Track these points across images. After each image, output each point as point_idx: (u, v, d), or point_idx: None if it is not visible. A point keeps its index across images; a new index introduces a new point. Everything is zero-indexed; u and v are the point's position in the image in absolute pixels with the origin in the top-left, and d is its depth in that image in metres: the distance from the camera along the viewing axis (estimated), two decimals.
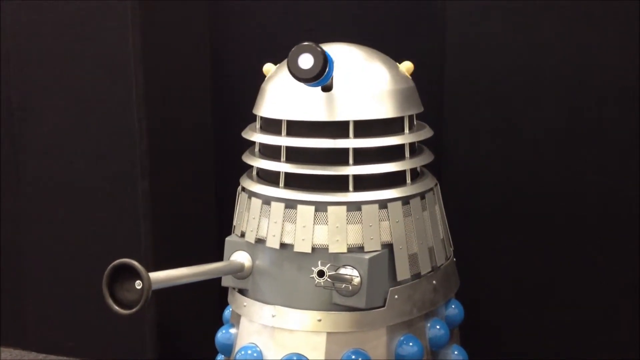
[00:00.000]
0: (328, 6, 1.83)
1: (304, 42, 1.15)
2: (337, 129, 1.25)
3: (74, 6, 1.78)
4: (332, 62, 1.18)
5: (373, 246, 1.24)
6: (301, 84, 1.20)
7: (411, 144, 1.33)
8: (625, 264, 1.62)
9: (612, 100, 1.57)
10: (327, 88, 1.24)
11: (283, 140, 1.28)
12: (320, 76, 1.15)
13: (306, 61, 1.15)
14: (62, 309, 1.97)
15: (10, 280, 2.02)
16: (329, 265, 1.20)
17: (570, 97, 1.60)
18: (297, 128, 1.27)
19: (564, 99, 1.60)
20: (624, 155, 1.58)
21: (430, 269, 1.32)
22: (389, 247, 1.26)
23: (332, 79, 1.23)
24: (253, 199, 1.32)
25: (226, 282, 1.35)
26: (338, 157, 1.26)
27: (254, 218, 1.30)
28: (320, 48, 1.15)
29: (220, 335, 1.38)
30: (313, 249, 1.24)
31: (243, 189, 1.36)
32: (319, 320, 1.25)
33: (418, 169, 1.38)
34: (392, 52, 1.38)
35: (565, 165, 1.63)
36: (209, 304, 1.84)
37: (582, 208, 1.63)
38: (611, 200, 1.61)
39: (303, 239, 1.25)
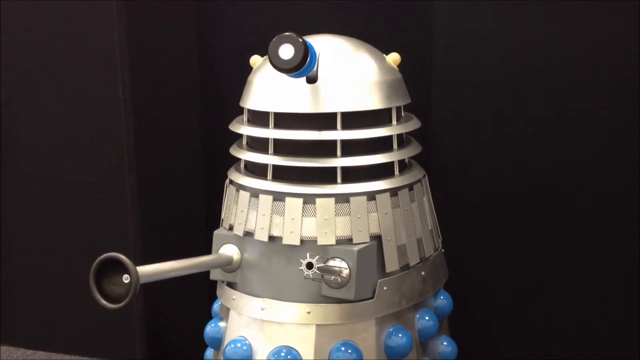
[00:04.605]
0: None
1: (284, 32, 1.15)
2: (325, 120, 1.25)
3: (60, 2, 1.77)
4: (314, 53, 1.18)
5: (362, 238, 1.24)
6: (288, 76, 1.20)
7: (399, 136, 1.33)
8: (621, 256, 1.62)
9: (601, 92, 1.58)
10: (311, 79, 1.24)
11: (270, 133, 1.28)
12: (301, 66, 1.15)
13: (287, 51, 1.15)
14: (51, 305, 1.96)
15: None
16: (317, 257, 1.19)
17: (557, 89, 1.60)
18: (285, 120, 1.27)
19: (552, 91, 1.60)
20: (614, 147, 1.59)
21: (418, 260, 1.32)
22: (377, 238, 1.26)
23: (316, 70, 1.23)
24: (241, 191, 1.31)
25: (215, 275, 1.35)
26: (326, 149, 1.26)
27: (242, 211, 1.30)
28: (301, 38, 1.14)
29: (210, 329, 1.38)
30: (302, 241, 1.24)
31: (231, 181, 1.36)
32: (308, 313, 1.25)
33: (406, 161, 1.38)
34: (379, 43, 1.38)
35: (553, 157, 1.63)
36: (198, 298, 1.84)
37: (572, 199, 1.63)
38: (602, 191, 1.61)
39: (291, 232, 1.25)
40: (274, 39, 1.15)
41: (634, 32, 1.53)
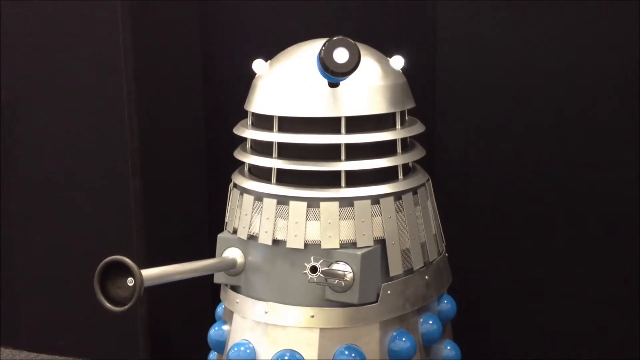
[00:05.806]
0: (318, 2, 1.83)
1: (336, 36, 1.15)
2: (329, 124, 1.25)
3: (65, 4, 1.77)
4: None
5: (365, 242, 1.24)
6: (295, 80, 1.21)
7: (403, 140, 1.33)
8: (622, 259, 1.62)
9: (604, 96, 1.58)
10: (336, 84, 1.24)
11: (275, 136, 1.28)
12: (354, 69, 1.16)
13: (342, 55, 1.15)
14: (54, 308, 1.96)
15: (0, 279, 2.01)
16: (321, 261, 1.19)
17: (561, 92, 1.60)
18: (289, 124, 1.27)
19: (555, 95, 1.61)
20: (616, 151, 1.59)
21: (422, 264, 1.32)
22: (381, 242, 1.26)
23: None
24: (245, 195, 1.32)
25: (218, 278, 1.35)
26: (330, 153, 1.26)
27: (246, 214, 1.30)
28: (353, 41, 1.15)
29: (213, 332, 1.38)
30: (305, 245, 1.24)
31: (235, 185, 1.36)
32: (312, 316, 1.25)
33: (410, 165, 1.38)
34: (383, 47, 1.38)
35: (556, 161, 1.63)
36: (202, 301, 1.84)
37: (575, 203, 1.63)
38: (604, 195, 1.61)
39: (295, 235, 1.25)
40: (326, 43, 1.15)
41: (635, 33, 1.53)
